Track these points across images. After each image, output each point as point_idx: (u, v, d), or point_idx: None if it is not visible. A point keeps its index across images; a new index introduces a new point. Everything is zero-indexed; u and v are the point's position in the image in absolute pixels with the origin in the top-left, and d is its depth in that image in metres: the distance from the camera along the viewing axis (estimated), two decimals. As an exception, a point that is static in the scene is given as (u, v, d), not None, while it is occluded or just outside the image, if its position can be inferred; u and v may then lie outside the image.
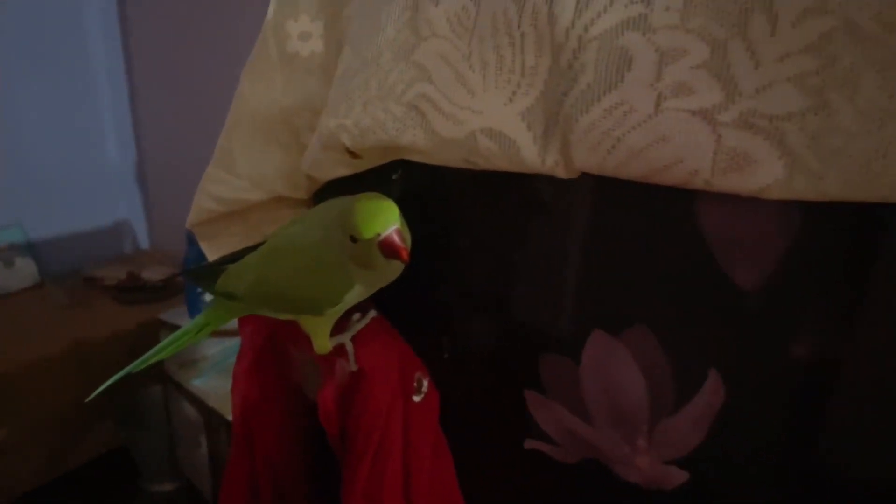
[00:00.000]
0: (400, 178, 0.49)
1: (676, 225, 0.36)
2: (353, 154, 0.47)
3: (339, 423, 0.52)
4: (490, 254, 0.45)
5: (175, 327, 1.81)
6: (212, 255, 0.63)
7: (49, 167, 2.27)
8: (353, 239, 0.42)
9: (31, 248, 2.23)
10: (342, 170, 0.49)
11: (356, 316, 0.52)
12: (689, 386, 0.37)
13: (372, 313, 0.52)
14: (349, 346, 0.50)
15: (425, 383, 0.51)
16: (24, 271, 2.22)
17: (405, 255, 0.41)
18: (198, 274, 0.53)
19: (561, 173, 0.37)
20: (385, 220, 0.41)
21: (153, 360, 0.54)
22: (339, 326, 0.51)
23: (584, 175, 0.37)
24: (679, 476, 0.39)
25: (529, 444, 0.46)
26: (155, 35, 2.27)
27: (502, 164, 0.39)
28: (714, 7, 0.31)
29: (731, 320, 0.36)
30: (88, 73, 2.33)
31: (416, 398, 0.50)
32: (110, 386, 0.54)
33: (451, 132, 0.40)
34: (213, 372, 1.71)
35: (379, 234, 0.41)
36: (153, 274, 2.21)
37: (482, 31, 0.39)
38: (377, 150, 0.45)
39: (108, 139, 2.44)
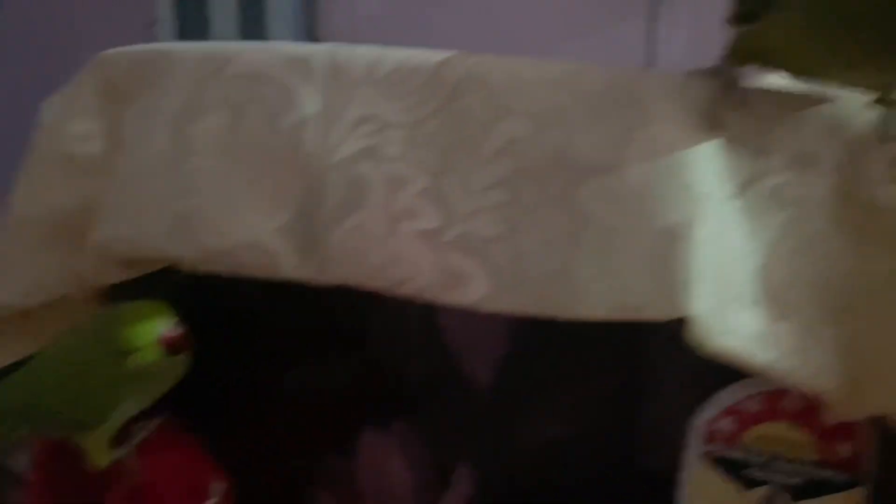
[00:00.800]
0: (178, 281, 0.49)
1: (425, 330, 0.39)
2: (127, 262, 0.47)
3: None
4: (267, 353, 0.47)
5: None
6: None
7: None
8: (126, 353, 0.42)
9: None
10: (119, 275, 0.49)
11: (139, 424, 0.51)
12: (445, 475, 0.40)
13: (156, 421, 0.51)
14: (128, 459, 0.49)
15: (219, 488, 0.50)
16: None
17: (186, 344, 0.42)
18: None
19: (321, 282, 0.40)
20: (158, 321, 0.42)
21: None
22: (125, 434, 0.49)
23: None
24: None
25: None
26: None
27: (266, 274, 0.41)
28: (432, 140, 0.35)
29: (473, 415, 0.39)
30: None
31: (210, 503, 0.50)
32: None
33: (215, 245, 0.41)
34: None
35: (157, 336, 0.41)
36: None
37: (242, 151, 0.41)
38: (150, 260, 0.45)
39: None
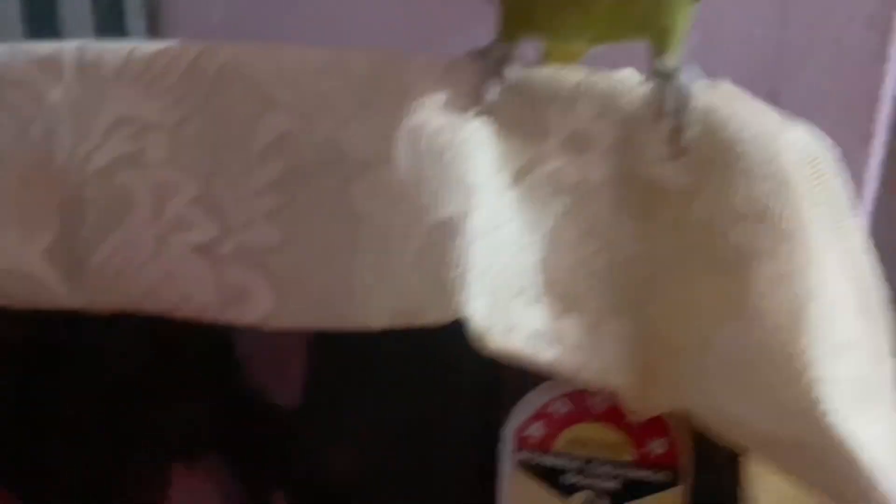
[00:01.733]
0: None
1: (212, 352, 0.35)
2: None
3: None
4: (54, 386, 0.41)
5: None
6: None
7: None
8: None
9: None
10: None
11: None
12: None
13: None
14: None
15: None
16: None
17: None
18: None
19: (95, 309, 0.35)
20: None
21: None
22: None
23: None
24: None
25: None
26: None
27: (34, 304, 0.36)
28: (198, 141, 0.31)
29: (281, 442, 0.36)
30: None
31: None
32: None
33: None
34: None
35: None
36: None
37: (-5, 168, 0.35)
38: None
39: None
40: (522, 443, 0.33)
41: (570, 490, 0.33)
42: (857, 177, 0.53)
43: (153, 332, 0.37)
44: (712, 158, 0.26)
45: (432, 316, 0.26)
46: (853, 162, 0.30)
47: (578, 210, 0.27)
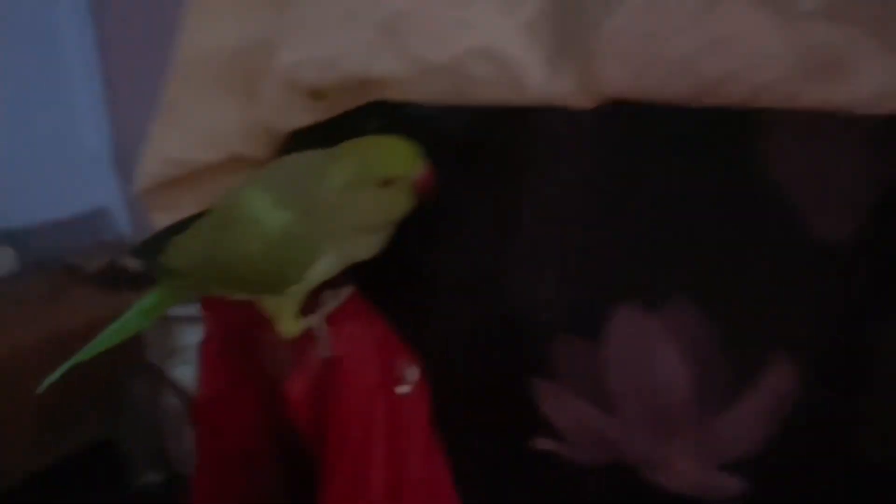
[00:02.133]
0: (377, 126, 0.40)
1: (730, 163, 0.28)
2: (315, 94, 0.38)
3: (312, 419, 0.44)
4: (487, 212, 0.37)
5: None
6: (163, 225, 0.54)
7: (26, 155, 2.16)
8: (387, 182, 0.35)
9: (9, 237, 2.14)
10: (305, 117, 0.41)
11: (329, 293, 0.44)
12: (747, 372, 0.29)
13: (348, 290, 0.44)
14: (321, 330, 0.42)
15: (412, 372, 0.43)
16: (4, 259, 2.13)
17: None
18: (145, 247, 0.45)
19: (579, 102, 0.29)
20: (417, 157, 0.35)
21: (103, 347, 0.47)
22: (312, 304, 0.43)
23: (608, 107, 0.29)
24: (733, 485, 0.31)
25: (541, 443, 0.38)
26: (129, 15, 2.16)
27: (502, 93, 0.31)
28: None
29: (805, 286, 0.27)
30: (60, 59, 2.22)
31: (402, 390, 0.42)
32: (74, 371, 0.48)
33: (434, 56, 0.32)
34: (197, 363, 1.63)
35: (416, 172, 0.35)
36: (134, 262, 2.11)
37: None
38: (346, 89, 0.37)
39: (83, 125, 2.33)
40: None
41: None
42: None
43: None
44: None
45: None
46: None
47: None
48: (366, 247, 0.38)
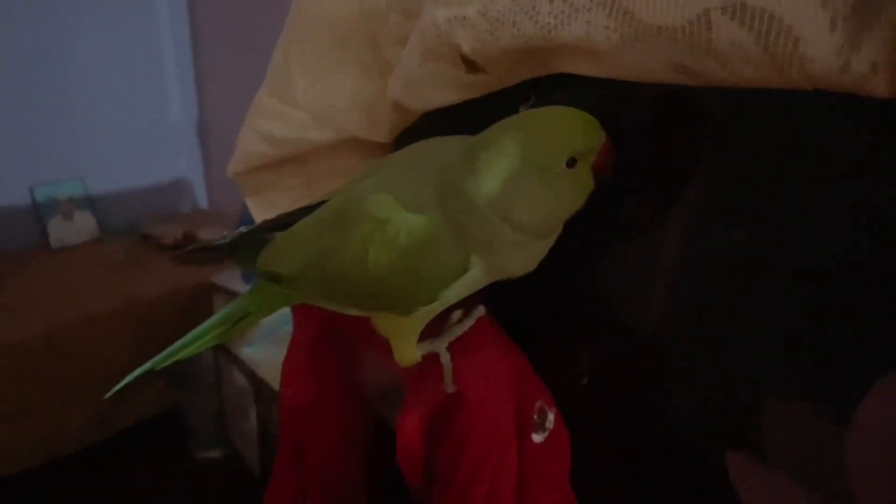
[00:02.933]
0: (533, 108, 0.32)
1: None
2: (471, 66, 0.30)
3: (425, 460, 0.37)
4: (671, 227, 0.28)
5: (227, 291, 1.71)
6: (259, 214, 0.48)
7: (112, 123, 2.19)
8: (572, 163, 0.27)
9: (90, 203, 2.18)
10: (450, 94, 0.33)
11: (456, 314, 0.36)
12: None
13: (479, 311, 0.36)
14: (445, 359, 0.34)
15: (551, 417, 0.35)
16: (84, 225, 2.17)
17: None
18: (235, 245, 0.38)
19: (879, 88, 0.20)
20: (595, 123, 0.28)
21: (180, 356, 0.39)
22: (432, 326, 0.35)
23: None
24: None
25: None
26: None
27: (754, 70, 0.22)
28: None
29: None
30: (153, 31, 2.23)
31: (538, 437, 0.34)
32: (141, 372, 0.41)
33: (661, 12, 0.23)
34: (266, 341, 1.60)
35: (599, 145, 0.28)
36: (209, 235, 2.11)
37: None
38: (513, 59, 0.29)
39: (171, 97, 2.35)
40: None
41: None
42: None
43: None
44: None
45: None
46: None
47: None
48: (526, 257, 0.30)
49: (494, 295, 0.36)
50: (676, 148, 0.28)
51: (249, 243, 0.36)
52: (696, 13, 0.22)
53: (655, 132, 0.29)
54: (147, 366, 0.40)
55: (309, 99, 0.40)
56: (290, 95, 0.40)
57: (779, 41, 0.21)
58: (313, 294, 0.35)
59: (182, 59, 2.36)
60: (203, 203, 2.57)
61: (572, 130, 0.27)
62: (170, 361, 0.39)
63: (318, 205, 0.35)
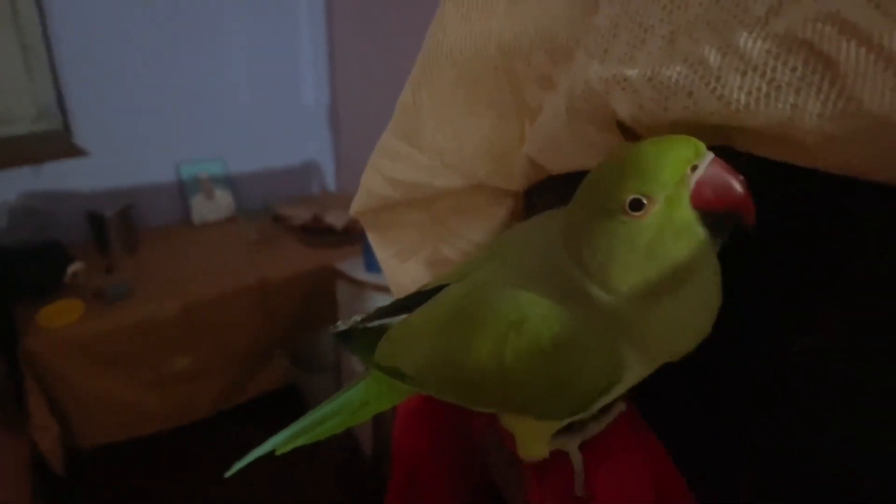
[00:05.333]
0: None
1: None
2: (628, 133, 0.25)
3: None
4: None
5: (349, 279, 1.74)
6: (381, 250, 0.45)
7: (250, 106, 2.30)
8: (636, 205, 0.22)
9: (229, 182, 2.30)
10: (596, 159, 0.28)
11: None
12: None
13: (620, 407, 0.31)
14: (577, 460, 0.30)
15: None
16: (223, 203, 2.30)
17: (749, 202, 0.21)
18: (348, 334, 0.35)
19: None
20: (692, 146, 0.22)
21: (301, 442, 0.37)
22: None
23: None
24: None
25: None
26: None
27: None
28: None
29: None
30: (291, 19, 2.30)
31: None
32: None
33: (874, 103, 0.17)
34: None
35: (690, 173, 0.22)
36: (336, 219, 2.16)
37: None
38: (683, 131, 0.23)
39: (304, 82, 2.42)
40: None
41: None
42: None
43: None
44: None
45: None
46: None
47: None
48: (670, 326, 0.24)
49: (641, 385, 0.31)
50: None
51: (364, 331, 0.33)
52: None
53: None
54: (268, 447, 0.38)
55: (438, 143, 0.36)
56: (417, 138, 0.37)
57: None
58: (438, 392, 0.31)
59: (316, 47, 2.42)
60: (332, 186, 2.65)
61: (629, 162, 0.22)
62: (290, 447, 0.37)
63: (432, 292, 0.31)
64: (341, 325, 0.35)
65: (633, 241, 0.22)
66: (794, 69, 0.19)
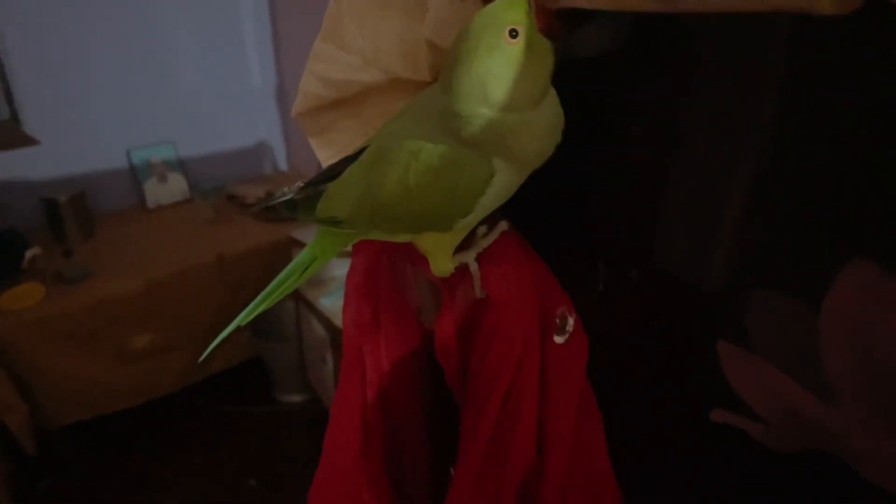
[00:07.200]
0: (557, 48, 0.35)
1: None
2: (487, 3, 0.34)
3: (460, 360, 0.42)
4: (674, 138, 0.32)
5: (305, 245, 1.81)
6: (321, 153, 0.53)
7: (199, 91, 2.33)
8: (513, 34, 0.31)
9: (181, 165, 2.33)
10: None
11: (482, 229, 0.41)
12: None
13: (502, 226, 0.40)
14: (474, 268, 0.39)
15: (570, 321, 0.39)
16: (176, 187, 2.33)
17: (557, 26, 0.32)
18: (294, 201, 0.43)
19: (828, 6, 0.23)
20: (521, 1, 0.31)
21: (264, 307, 0.46)
22: (463, 242, 0.40)
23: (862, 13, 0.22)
24: None
25: (719, 415, 0.33)
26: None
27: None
28: None
29: None
30: (234, 4, 2.34)
31: (559, 339, 0.39)
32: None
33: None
34: (341, 293, 1.69)
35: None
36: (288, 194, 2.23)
37: None
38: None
39: (251, 64, 2.46)
40: None
41: None
42: None
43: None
44: None
45: None
46: None
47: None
48: (534, 135, 0.33)
49: (517, 213, 0.40)
50: (669, 75, 0.31)
51: (307, 198, 0.41)
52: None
53: (650, 62, 0.32)
54: (234, 324, 0.46)
55: (358, 42, 0.45)
56: (341, 39, 0.45)
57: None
58: (366, 228, 0.40)
59: (261, 28, 2.46)
60: (283, 165, 2.70)
61: (497, 13, 0.31)
62: (253, 316, 0.45)
63: (356, 156, 0.40)
64: (288, 193, 0.43)
65: (512, 61, 0.31)
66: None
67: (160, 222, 2.21)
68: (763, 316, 0.30)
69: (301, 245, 1.81)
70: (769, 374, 0.30)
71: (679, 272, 0.34)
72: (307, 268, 0.45)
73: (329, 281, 1.76)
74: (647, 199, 0.34)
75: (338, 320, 1.62)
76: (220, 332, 0.46)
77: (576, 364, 0.39)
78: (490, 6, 0.32)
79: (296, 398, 2.09)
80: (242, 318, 0.46)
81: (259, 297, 0.46)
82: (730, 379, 0.32)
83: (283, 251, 1.95)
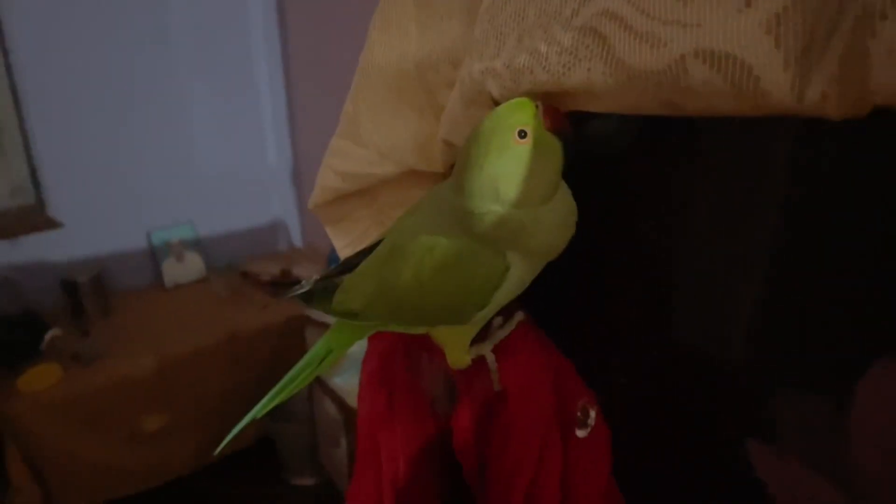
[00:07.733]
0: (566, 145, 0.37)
1: None
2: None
3: (478, 455, 0.41)
4: (693, 236, 0.32)
5: (317, 323, 1.81)
6: (338, 240, 0.54)
7: (217, 170, 2.41)
8: (522, 134, 0.32)
9: (199, 244, 2.38)
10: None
11: (498, 321, 0.41)
12: None
13: (519, 316, 0.41)
14: (491, 360, 0.39)
15: (592, 414, 0.38)
16: (193, 265, 2.37)
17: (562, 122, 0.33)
18: (311, 293, 0.44)
19: (831, 112, 0.24)
20: (530, 100, 0.33)
21: (278, 400, 0.45)
22: (479, 333, 0.40)
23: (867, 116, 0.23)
24: None
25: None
26: (311, 46, 2.33)
27: (726, 102, 0.26)
28: None
29: None
30: (252, 85, 2.44)
31: (581, 433, 0.38)
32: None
33: (646, 60, 0.27)
34: (355, 370, 1.68)
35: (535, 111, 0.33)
36: (304, 271, 2.25)
37: None
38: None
39: (267, 143, 2.55)
40: None
41: None
42: None
43: None
44: None
45: None
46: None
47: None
48: (545, 230, 0.33)
49: (534, 304, 0.40)
50: (677, 168, 0.32)
51: (323, 290, 0.42)
52: (675, 59, 0.26)
53: (655, 156, 0.33)
54: (249, 416, 0.45)
55: (374, 138, 0.46)
56: (357, 136, 0.47)
57: (742, 79, 0.25)
58: (382, 321, 0.40)
59: (277, 109, 2.55)
60: (298, 242, 2.74)
61: (506, 115, 0.32)
62: (269, 408, 0.45)
63: (372, 248, 0.41)
64: (305, 286, 0.44)
65: (522, 160, 0.32)
66: (587, 46, 0.29)
67: (176, 301, 2.24)
68: (792, 414, 0.29)
69: (314, 324, 1.81)
70: (797, 472, 0.29)
71: (702, 368, 0.34)
72: (322, 360, 0.45)
73: (342, 359, 1.75)
74: (666, 293, 0.34)
75: (351, 399, 1.60)
76: (230, 412, 0.46)
77: (600, 458, 0.38)
78: (499, 108, 0.33)
79: (307, 481, 2.04)
80: (258, 411, 0.46)
81: (274, 390, 0.46)
82: (761, 475, 0.31)
83: (295, 329, 1.95)
